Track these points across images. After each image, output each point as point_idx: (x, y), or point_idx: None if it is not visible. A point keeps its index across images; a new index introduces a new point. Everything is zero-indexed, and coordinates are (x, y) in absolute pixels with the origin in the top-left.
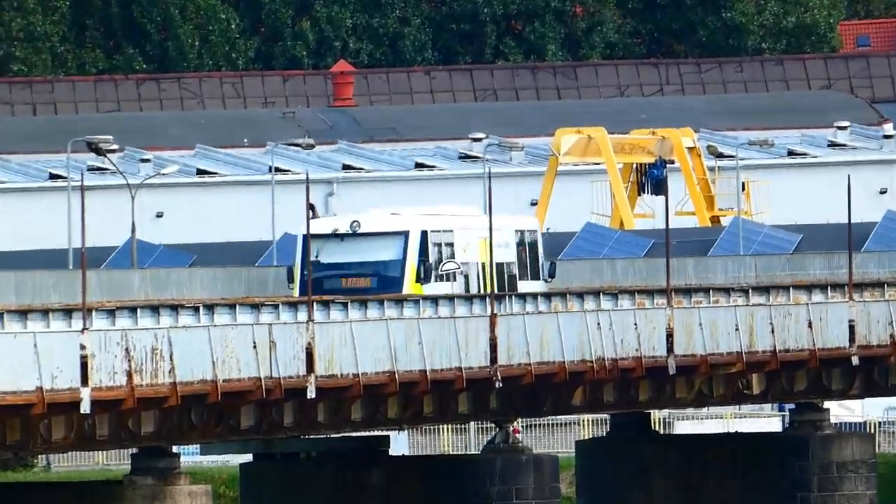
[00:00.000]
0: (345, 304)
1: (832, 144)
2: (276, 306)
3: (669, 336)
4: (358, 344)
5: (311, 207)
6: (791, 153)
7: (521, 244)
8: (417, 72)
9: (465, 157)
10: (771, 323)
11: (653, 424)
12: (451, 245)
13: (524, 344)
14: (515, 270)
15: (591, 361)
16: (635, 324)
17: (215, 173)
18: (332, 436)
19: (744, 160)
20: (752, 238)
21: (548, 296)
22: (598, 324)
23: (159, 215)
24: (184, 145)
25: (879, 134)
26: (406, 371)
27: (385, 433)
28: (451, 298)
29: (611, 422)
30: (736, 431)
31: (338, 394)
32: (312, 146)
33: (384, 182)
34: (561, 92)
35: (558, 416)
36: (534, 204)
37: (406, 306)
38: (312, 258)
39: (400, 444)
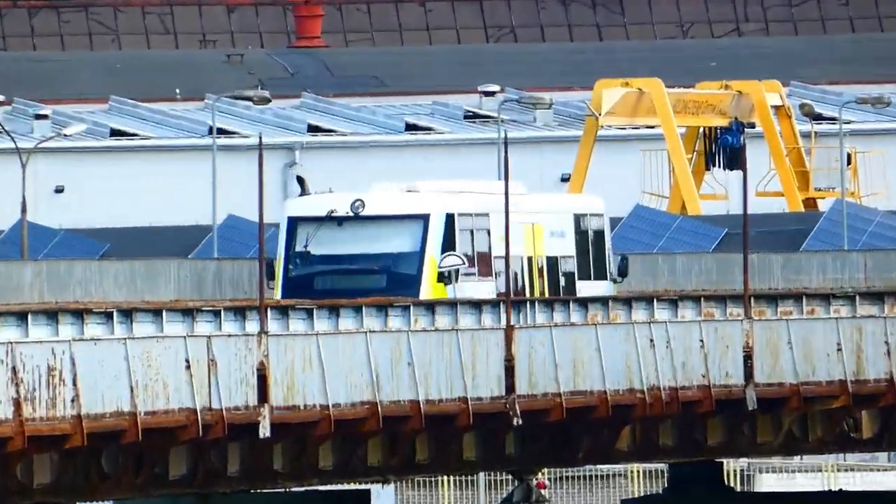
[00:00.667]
0: (309, 312)
1: None
2: (216, 313)
3: (748, 358)
4: (327, 365)
5: (300, 181)
6: None
7: (581, 233)
8: (409, 2)
9: (472, 116)
10: (887, 342)
11: (726, 478)
12: (486, 232)
13: (552, 367)
14: (574, 267)
15: (643, 392)
16: (701, 341)
17: (135, 135)
18: (294, 490)
19: (850, 123)
20: (861, 227)
21: (583, 302)
22: (652, 340)
23: (59, 190)
24: (94, 97)
25: None
26: (392, 402)
27: (365, 486)
28: (452, 304)
29: (669, 474)
30: (840, 490)
31: (300, 432)
32: (268, 100)
33: (364, 149)
34: (602, 31)
35: (598, 466)
36: (565, 180)
37: (392, 314)
38: (300, 248)
39: (385, 500)
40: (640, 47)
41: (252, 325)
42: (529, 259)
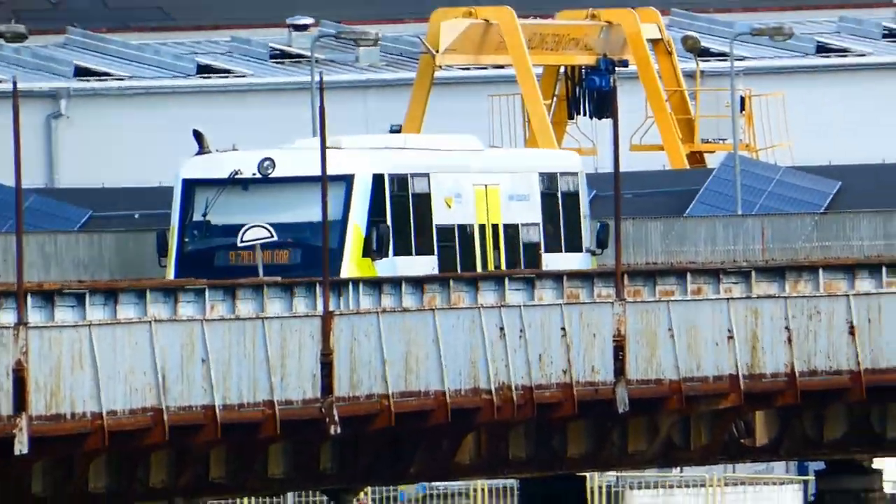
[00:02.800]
0: (80, 297)
1: (890, 35)
2: None
3: (619, 350)
4: (102, 363)
5: (197, 136)
6: (822, 49)
7: (549, 196)
8: None
9: (280, 55)
10: (787, 328)
11: (590, 496)
12: (425, 197)
13: (379, 363)
14: (539, 237)
15: (490, 392)
16: (563, 329)
17: None
18: None
19: (743, 60)
20: (758, 187)
21: (418, 282)
22: (502, 329)
23: None
24: None
25: None
26: (182, 408)
27: None
28: (257, 287)
29: (521, 492)
30: None
31: (67, 448)
32: (24, 36)
33: (146, 97)
34: None
35: (435, 484)
36: (395, 131)
37: (183, 299)
38: (198, 217)
39: None
40: None
41: (7, 315)
42: (482, 228)
